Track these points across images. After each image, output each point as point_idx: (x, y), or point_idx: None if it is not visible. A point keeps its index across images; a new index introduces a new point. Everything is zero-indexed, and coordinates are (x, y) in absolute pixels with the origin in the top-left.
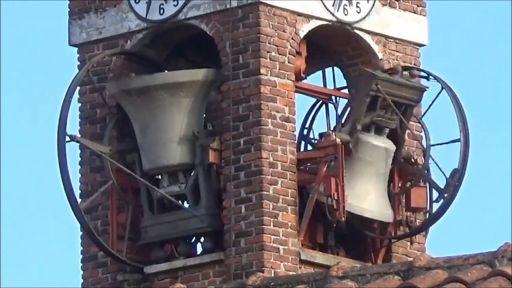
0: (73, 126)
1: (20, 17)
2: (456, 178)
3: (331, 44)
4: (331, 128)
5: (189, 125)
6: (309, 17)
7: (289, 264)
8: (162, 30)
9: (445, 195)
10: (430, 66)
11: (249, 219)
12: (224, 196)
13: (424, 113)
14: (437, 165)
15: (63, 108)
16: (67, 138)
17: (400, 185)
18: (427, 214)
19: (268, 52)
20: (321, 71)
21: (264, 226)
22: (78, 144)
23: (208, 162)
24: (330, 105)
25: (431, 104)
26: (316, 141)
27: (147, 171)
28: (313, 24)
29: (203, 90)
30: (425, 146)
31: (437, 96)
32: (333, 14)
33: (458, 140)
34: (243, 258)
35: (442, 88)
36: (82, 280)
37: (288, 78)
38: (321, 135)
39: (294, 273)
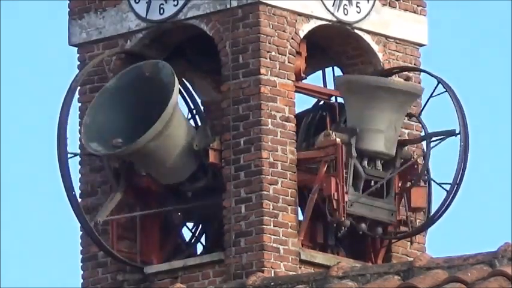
0: (73, 126)
1: (20, 17)
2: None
3: (331, 44)
4: (331, 128)
5: (185, 143)
6: (309, 17)
7: (289, 264)
8: (162, 30)
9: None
10: (430, 66)
11: (249, 219)
12: (224, 196)
13: (422, 110)
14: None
15: (63, 109)
16: (69, 155)
17: (400, 185)
18: (427, 214)
19: (268, 52)
20: (321, 71)
21: (264, 226)
22: (78, 142)
23: (208, 162)
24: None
25: (427, 100)
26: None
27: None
28: (313, 24)
29: (176, 107)
30: (425, 146)
31: (433, 92)
32: (333, 14)
33: (458, 134)
34: (243, 258)
35: (438, 83)
36: (82, 280)
37: (288, 78)
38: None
39: (294, 273)
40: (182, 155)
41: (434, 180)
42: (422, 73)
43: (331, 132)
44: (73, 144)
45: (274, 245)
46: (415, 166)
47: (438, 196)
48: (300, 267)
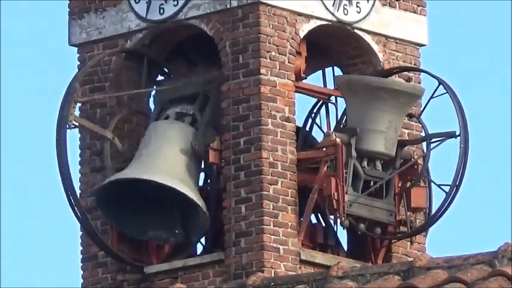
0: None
1: (20, 17)
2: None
3: (331, 44)
4: (331, 128)
5: (187, 150)
6: (309, 17)
7: (289, 264)
8: (162, 30)
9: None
10: (430, 66)
11: (249, 219)
12: (224, 196)
13: (422, 110)
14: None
15: (63, 109)
16: (68, 129)
17: (400, 185)
18: (427, 214)
19: (268, 52)
20: (321, 71)
21: (264, 226)
22: (78, 141)
23: (208, 162)
24: (330, 105)
25: (428, 101)
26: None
27: None
28: (313, 24)
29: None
30: (425, 146)
31: (434, 92)
32: (333, 14)
33: (458, 136)
34: (243, 258)
35: (439, 85)
36: (82, 280)
37: (288, 78)
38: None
39: (294, 273)
40: (187, 161)
41: (433, 182)
42: (422, 73)
43: (331, 132)
44: (72, 142)
45: (274, 245)
46: (415, 166)
47: (438, 197)
48: (300, 267)
